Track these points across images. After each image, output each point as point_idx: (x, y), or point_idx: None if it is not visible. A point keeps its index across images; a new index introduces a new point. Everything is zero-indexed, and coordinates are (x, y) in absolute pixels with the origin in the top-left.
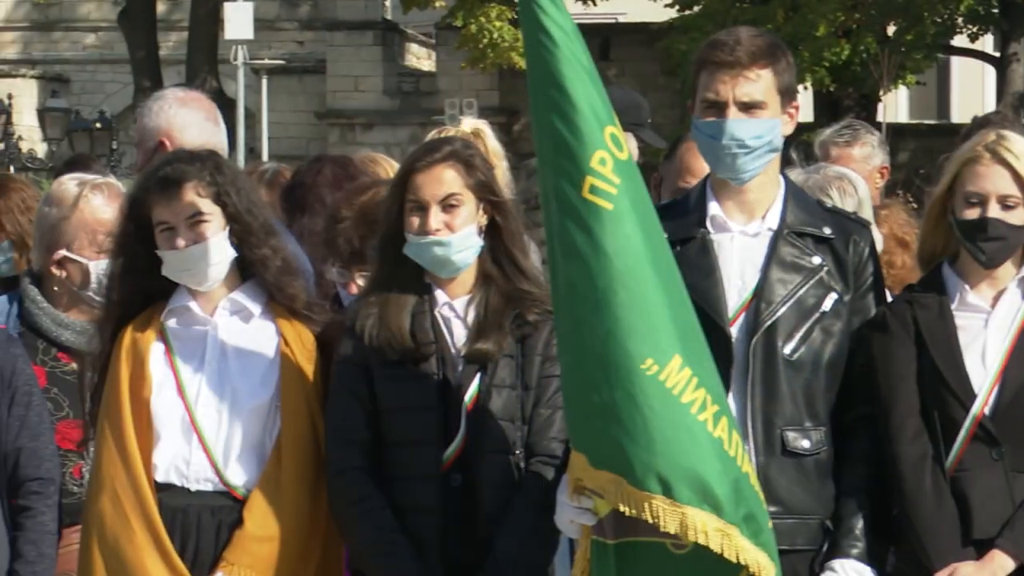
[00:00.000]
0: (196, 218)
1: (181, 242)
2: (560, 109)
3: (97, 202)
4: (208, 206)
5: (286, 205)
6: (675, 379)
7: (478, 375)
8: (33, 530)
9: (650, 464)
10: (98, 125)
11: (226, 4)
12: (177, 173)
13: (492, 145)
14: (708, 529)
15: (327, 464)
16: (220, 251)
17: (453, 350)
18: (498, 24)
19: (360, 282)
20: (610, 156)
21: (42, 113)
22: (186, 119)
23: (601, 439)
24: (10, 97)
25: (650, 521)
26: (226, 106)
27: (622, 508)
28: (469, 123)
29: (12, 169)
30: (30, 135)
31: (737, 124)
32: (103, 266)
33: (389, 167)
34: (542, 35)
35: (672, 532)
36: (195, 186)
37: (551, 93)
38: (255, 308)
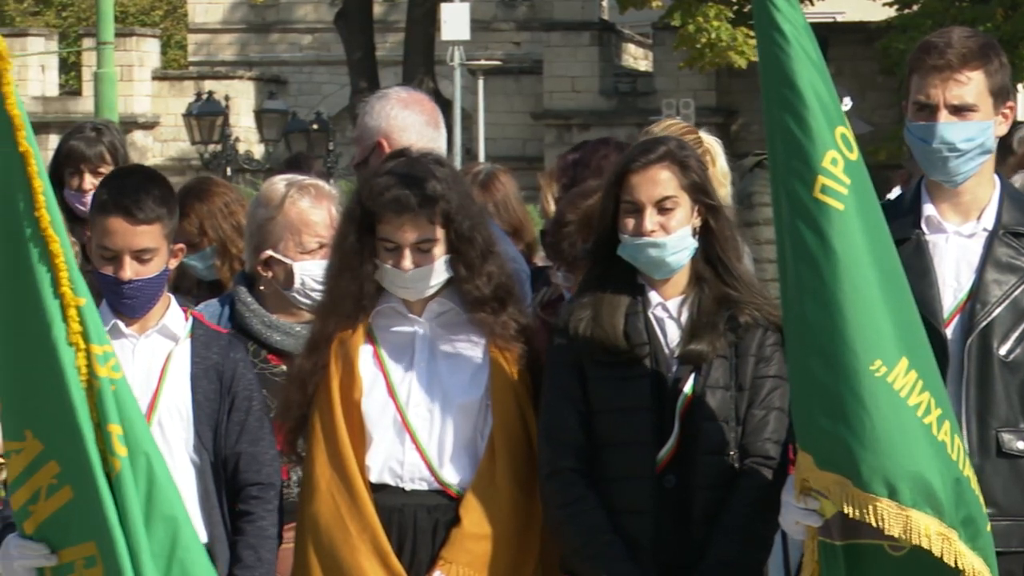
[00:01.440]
0: (424, 244)
1: (407, 264)
2: (793, 108)
3: (304, 203)
4: (436, 232)
5: (565, 181)
6: (902, 382)
7: (692, 376)
8: (253, 535)
9: (876, 466)
10: (315, 126)
11: (443, 5)
12: (412, 199)
13: (720, 164)
14: (931, 533)
15: (539, 465)
16: (440, 274)
17: (667, 351)
18: (716, 24)
19: None
20: (841, 156)
21: (259, 115)
22: (406, 121)
23: (828, 440)
24: (227, 99)
25: (874, 524)
26: (443, 107)
27: (847, 510)
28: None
29: (229, 170)
30: (247, 137)
31: (948, 128)
32: (308, 267)
33: None
34: (775, 33)
35: (896, 535)
36: (428, 214)
37: (784, 92)
38: (464, 309)
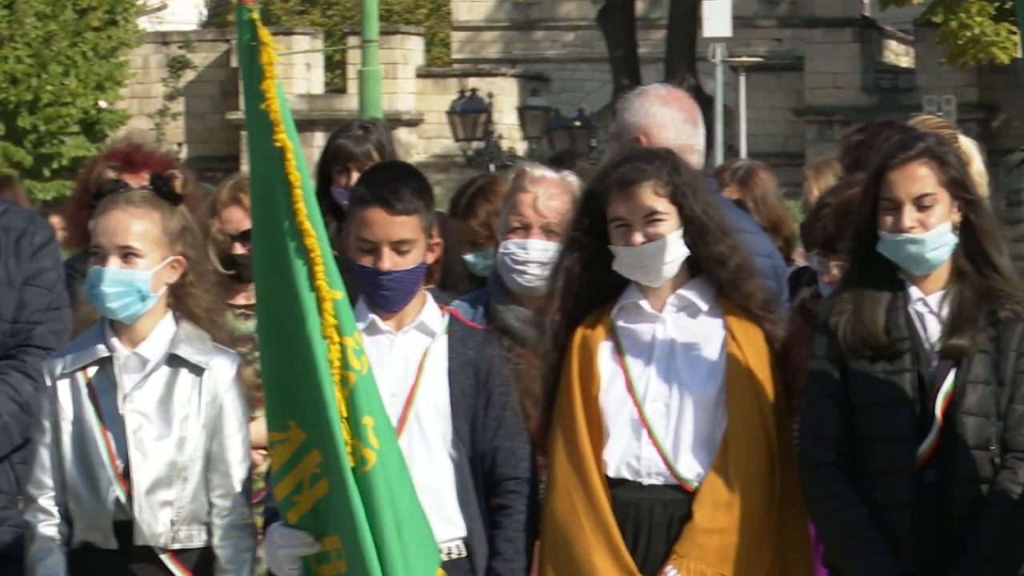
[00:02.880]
0: (653, 217)
1: (638, 238)
2: None
3: (530, 187)
4: (664, 205)
5: (848, 162)
6: None
7: (953, 371)
8: (511, 528)
9: None
10: (577, 123)
11: (705, 2)
12: (635, 172)
13: (976, 165)
14: None
15: (799, 460)
16: (674, 249)
17: (927, 346)
18: (978, 19)
19: (835, 272)
20: None
21: (522, 111)
22: (664, 118)
23: None
24: (491, 96)
25: None
26: (704, 104)
27: None
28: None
29: (492, 167)
30: (510, 134)
31: None
32: (508, 246)
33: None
34: None
35: None
36: (653, 186)
37: None
38: (703, 304)
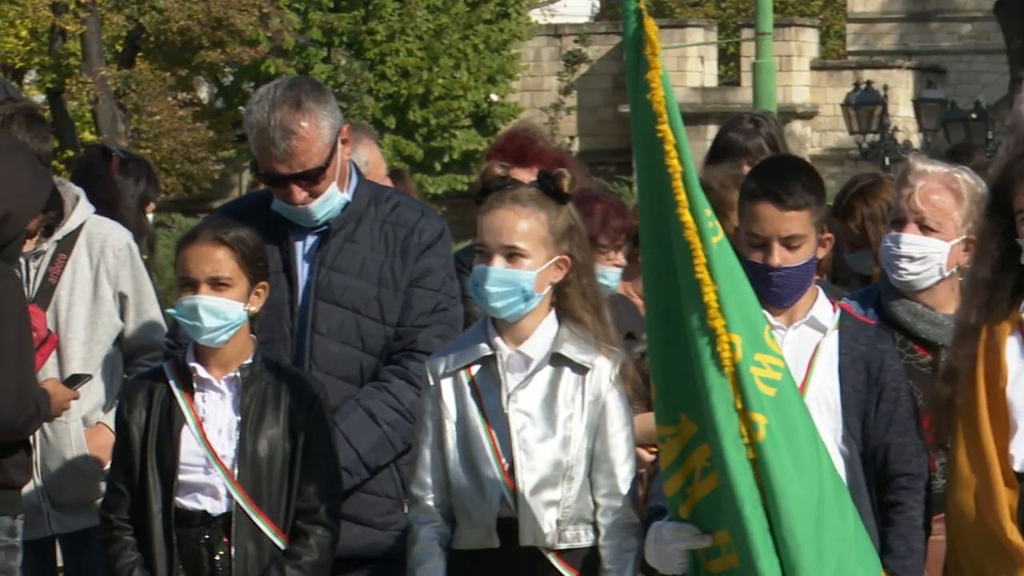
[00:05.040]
0: None
1: None
2: None
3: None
4: None
5: None
6: None
7: None
8: (903, 525)
9: None
10: (973, 116)
11: None
12: None
13: None
14: None
15: None
16: None
17: None
18: None
19: None
20: None
21: (917, 104)
22: None
23: None
24: (886, 89)
25: None
26: None
27: None
28: None
29: (887, 160)
30: (905, 126)
31: None
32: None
33: None
34: None
35: None
36: None
37: None
38: None
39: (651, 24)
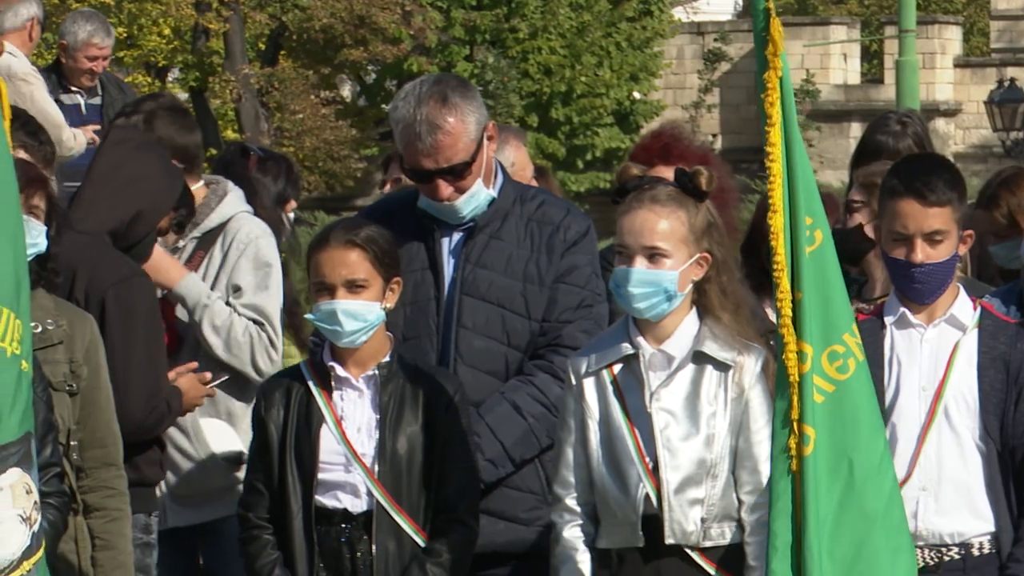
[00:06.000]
0: None
1: None
2: None
3: None
4: None
5: None
6: None
7: None
8: None
9: None
10: None
11: None
12: None
13: None
14: None
15: None
16: None
17: None
18: None
19: None
20: None
21: None
22: None
23: None
24: None
25: None
26: None
27: None
28: None
29: None
30: None
31: None
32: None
33: None
34: None
35: None
36: None
37: None
38: None
39: (776, 24)
